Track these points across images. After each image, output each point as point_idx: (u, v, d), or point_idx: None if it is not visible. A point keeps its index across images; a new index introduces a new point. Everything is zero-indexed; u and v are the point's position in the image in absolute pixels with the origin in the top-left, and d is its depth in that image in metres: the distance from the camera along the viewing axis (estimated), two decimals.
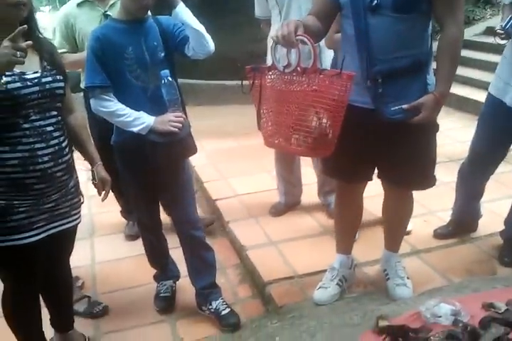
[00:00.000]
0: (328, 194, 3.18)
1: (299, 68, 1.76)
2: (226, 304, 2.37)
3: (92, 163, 1.99)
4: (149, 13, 2.09)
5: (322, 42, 2.68)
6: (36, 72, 1.70)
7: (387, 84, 1.94)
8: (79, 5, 2.69)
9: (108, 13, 2.63)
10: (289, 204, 3.30)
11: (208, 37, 2.07)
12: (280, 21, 2.75)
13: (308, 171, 3.35)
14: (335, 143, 1.86)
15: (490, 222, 2.92)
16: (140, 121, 2.02)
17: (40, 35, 1.78)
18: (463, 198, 2.84)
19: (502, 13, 2.74)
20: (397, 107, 1.96)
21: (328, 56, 2.69)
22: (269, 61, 1.84)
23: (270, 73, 1.85)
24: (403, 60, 1.93)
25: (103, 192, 2.02)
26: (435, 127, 2.11)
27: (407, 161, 2.08)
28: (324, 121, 1.80)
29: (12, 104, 1.63)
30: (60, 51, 2.69)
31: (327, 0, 2.01)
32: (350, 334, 1.87)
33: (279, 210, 3.26)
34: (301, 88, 1.78)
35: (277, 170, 3.27)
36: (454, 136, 4.43)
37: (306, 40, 1.73)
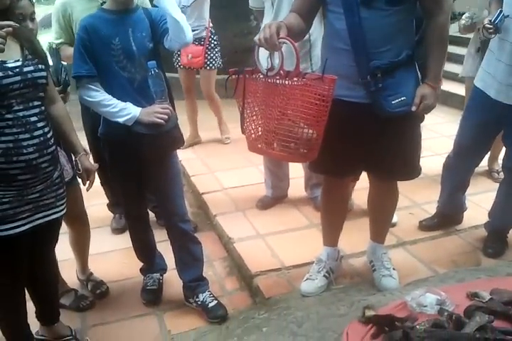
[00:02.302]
0: (314, 187, 3.19)
1: (281, 71, 1.75)
2: (213, 296, 2.37)
3: (75, 153, 1.98)
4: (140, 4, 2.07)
5: (313, 37, 2.69)
6: (17, 61, 1.67)
7: (387, 79, 1.95)
8: None
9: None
10: (276, 197, 3.31)
11: (187, 28, 2.03)
12: (272, 14, 2.74)
13: (295, 165, 3.36)
14: (319, 146, 1.85)
15: (475, 214, 2.96)
16: (126, 111, 2.01)
17: (20, 24, 1.76)
18: (448, 191, 2.87)
19: (489, 7, 2.75)
20: (398, 100, 1.97)
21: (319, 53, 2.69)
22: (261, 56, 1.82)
23: (253, 76, 1.84)
24: (396, 51, 1.94)
25: (87, 182, 2.01)
26: (420, 118, 2.13)
27: (394, 152, 2.10)
28: (306, 126, 1.79)
29: None
30: (57, 42, 2.68)
31: None
32: (337, 324, 1.88)
33: (266, 204, 3.27)
34: (283, 92, 1.76)
35: (265, 163, 3.28)
36: (439, 130, 4.47)
37: (288, 42, 1.72)
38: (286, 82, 1.76)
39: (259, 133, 1.91)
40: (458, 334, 1.55)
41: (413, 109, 1.97)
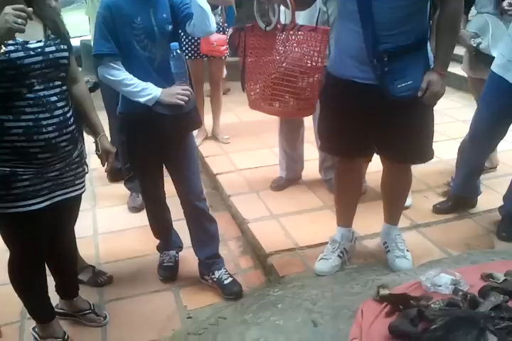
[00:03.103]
0: (328, 170, 3.20)
1: (278, 25, 1.78)
2: (228, 274, 2.41)
3: (95, 133, 1.99)
4: None
5: (332, 19, 2.66)
6: (40, 41, 1.68)
7: (393, 63, 1.94)
8: None
9: None
10: (290, 179, 3.32)
11: (212, 18, 2.04)
12: None
13: (309, 147, 3.38)
14: (315, 101, 1.88)
15: (489, 198, 2.96)
16: (147, 92, 2.02)
17: (44, 2, 1.76)
18: (463, 175, 2.87)
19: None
20: (403, 84, 1.96)
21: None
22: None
23: (253, 33, 1.86)
24: (406, 35, 1.93)
25: (106, 163, 2.04)
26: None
27: (407, 135, 2.10)
28: (304, 79, 1.83)
29: (15, 73, 1.62)
30: None
31: None
32: (352, 302, 1.92)
33: (280, 185, 3.29)
34: (281, 46, 1.80)
35: (280, 145, 3.29)
36: (454, 115, 4.45)
37: None
38: (283, 36, 1.79)
39: (257, 89, 1.94)
40: (473, 313, 1.58)
41: (419, 94, 1.97)
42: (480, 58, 2.79)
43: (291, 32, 1.80)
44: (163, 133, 2.11)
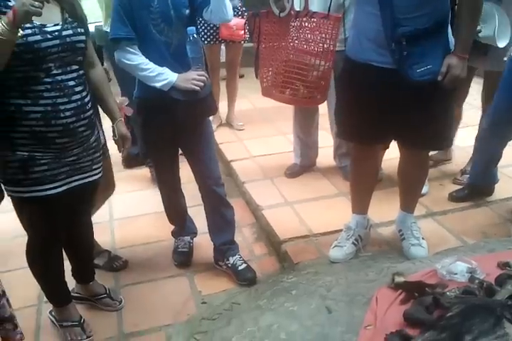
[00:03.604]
0: (343, 157, 3.19)
1: (292, 12, 1.77)
2: (243, 260, 2.41)
3: (112, 118, 1.99)
4: None
5: (347, 2, 2.62)
6: (57, 25, 1.68)
7: (412, 47, 1.91)
8: None
9: None
10: (305, 166, 3.31)
11: (229, 5, 2.03)
12: None
13: (324, 134, 3.36)
14: (327, 90, 1.87)
15: (506, 186, 2.92)
16: (163, 77, 2.01)
17: None
18: (480, 163, 2.83)
19: None
20: (423, 68, 1.93)
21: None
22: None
23: (267, 19, 1.85)
24: (425, 18, 1.89)
25: (122, 149, 2.04)
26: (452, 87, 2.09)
27: (424, 121, 2.07)
28: (317, 65, 1.82)
29: (32, 57, 1.62)
30: None
31: None
32: (366, 289, 1.92)
33: (294, 172, 3.28)
34: (294, 33, 1.79)
35: (295, 131, 3.27)
36: (471, 101, 4.32)
37: None
38: (297, 23, 1.78)
39: (269, 76, 1.94)
40: (490, 301, 1.57)
41: (439, 78, 1.94)
42: (475, 46, 2.71)
43: (304, 19, 1.79)
44: (178, 119, 2.11)
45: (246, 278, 2.36)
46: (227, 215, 2.40)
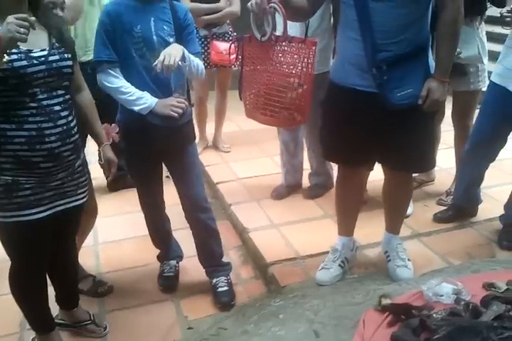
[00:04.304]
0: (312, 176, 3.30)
1: (272, 37, 1.81)
2: (226, 282, 2.40)
3: (98, 142, 2.00)
4: None
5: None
6: (44, 50, 1.68)
7: (392, 71, 1.95)
8: None
9: None
10: (291, 186, 3.33)
11: (200, 66, 2.15)
12: None
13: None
14: (309, 111, 1.91)
15: (489, 207, 2.96)
16: (142, 101, 2.03)
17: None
18: (463, 184, 2.87)
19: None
20: (403, 92, 1.97)
21: None
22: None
23: (250, 43, 1.90)
24: (405, 43, 1.94)
25: (109, 173, 2.03)
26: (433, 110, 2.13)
27: (407, 144, 2.10)
28: (296, 87, 1.87)
29: (18, 82, 1.62)
30: None
31: None
32: (353, 312, 1.91)
33: (280, 193, 3.29)
34: (273, 56, 1.84)
35: (280, 152, 3.30)
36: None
37: (277, 7, 1.76)
38: (277, 47, 1.83)
39: (252, 99, 1.98)
40: (476, 323, 1.57)
41: (419, 101, 1.97)
42: (454, 68, 2.79)
43: (284, 43, 1.84)
44: (157, 145, 2.12)
45: (220, 301, 2.35)
46: (214, 240, 2.40)
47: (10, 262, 1.91)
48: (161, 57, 1.91)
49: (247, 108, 2.07)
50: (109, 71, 2.03)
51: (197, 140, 2.39)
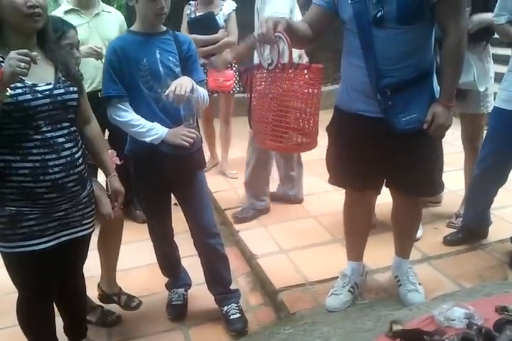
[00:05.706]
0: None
1: (279, 65, 1.84)
2: (238, 309, 2.38)
3: (106, 173, 2.02)
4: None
5: None
6: (49, 84, 1.72)
7: (397, 97, 1.97)
8: (66, 12, 2.93)
9: None
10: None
11: (205, 96, 2.17)
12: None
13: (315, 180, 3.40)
14: (317, 136, 1.92)
15: (500, 228, 2.92)
16: (153, 132, 2.06)
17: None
18: (473, 207, 2.84)
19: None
20: (408, 117, 1.98)
21: None
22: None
23: (258, 71, 1.93)
24: (409, 69, 1.96)
25: (116, 204, 2.04)
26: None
27: (415, 168, 2.10)
28: (302, 110, 1.89)
29: (22, 115, 1.65)
30: None
31: (323, 12, 2.05)
32: (364, 339, 1.88)
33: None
34: (280, 84, 1.87)
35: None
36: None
37: (283, 37, 1.79)
38: (284, 75, 1.86)
39: (262, 126, 2.00)
40: None
41: (424, 126, 1.98)
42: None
43: (290, 70, 1.87)
44: (166, 172, 2.14)
45: (235, 329, 2.32)
46: (222, 266, 2.39)
47: (17, 294, 1.91)
48: (172, 87, 1.95)
49: (256, 136, 2.09)
50: (119, 105, 2.07)
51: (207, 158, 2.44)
